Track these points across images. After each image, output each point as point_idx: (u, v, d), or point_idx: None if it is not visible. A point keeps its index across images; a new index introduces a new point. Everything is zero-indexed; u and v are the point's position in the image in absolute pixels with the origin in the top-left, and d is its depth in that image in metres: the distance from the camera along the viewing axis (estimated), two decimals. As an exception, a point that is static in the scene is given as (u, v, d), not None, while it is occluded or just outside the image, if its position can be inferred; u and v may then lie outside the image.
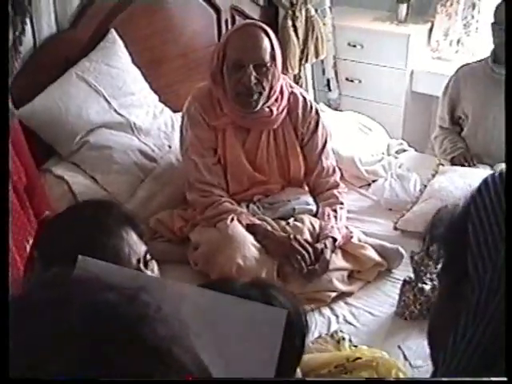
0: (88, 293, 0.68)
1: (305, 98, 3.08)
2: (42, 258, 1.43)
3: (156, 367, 0.64)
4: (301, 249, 2.76)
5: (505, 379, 0.76)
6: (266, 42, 2.86)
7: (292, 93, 3.04)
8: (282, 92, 2.99)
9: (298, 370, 1.55)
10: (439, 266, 0.95)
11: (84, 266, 1.12)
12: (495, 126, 3.54)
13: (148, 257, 1.50)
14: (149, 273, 1.47)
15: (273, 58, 2.87)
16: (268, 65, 2.86)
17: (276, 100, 2.97)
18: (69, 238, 1.42)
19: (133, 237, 1.49)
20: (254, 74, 2.83)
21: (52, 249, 1.42)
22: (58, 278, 0.73)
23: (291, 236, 2.81)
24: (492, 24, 3.45)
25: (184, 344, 0.68)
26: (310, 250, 2.78)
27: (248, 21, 3.15)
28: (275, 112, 2.96)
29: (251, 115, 2.95)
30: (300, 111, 3.04)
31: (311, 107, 3.08)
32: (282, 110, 3.00)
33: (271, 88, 2.91)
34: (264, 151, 3.03)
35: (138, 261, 1.47)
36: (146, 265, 1.49)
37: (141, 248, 1.49)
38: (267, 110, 2.95)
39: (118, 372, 0.62)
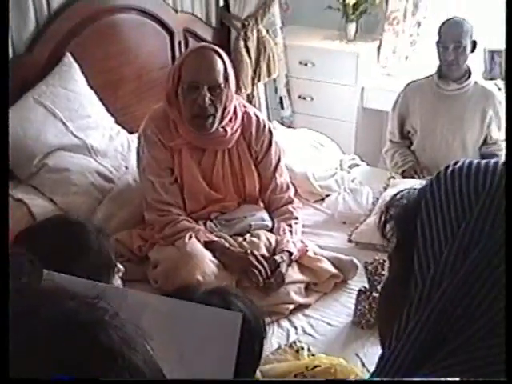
0: (52, 302, 0.74)
1: (258, 118, 3.16)
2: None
3: (111, 368, 0.70)
4: (257, 263, 2.83)
5: (505, 379, 0.79)
6: (219, 65, 2.93)
7: (245, 112, 3.12)
8: (235, 112, 3.06)
9: (258, 373, 1.61)
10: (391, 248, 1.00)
11: (50, 279, 1.18)
12: (442, 139, 3.68)
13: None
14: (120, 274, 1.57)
15: (226, 79, 2.94)
16: (222, 86, 2.92)
17: (230, 120, 3.04)
18: (59, 241, 1.50)
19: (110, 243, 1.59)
20: (208, 95, 2.89)
21: (44, 250, 1.49)
22: (24, 289, 0.79)
23: (248, 251, 2.88)
24: (436, 42, 3.59)
25: (136, 346, 0.74)
26: (266, 264, 2.85)
27: (202, 43, 3.21)
28: (229, 132, 3.03)
29: (206, 135, 3.02)
30: (253, 130, 3.12)
31: (264, 126, 3.15)
32: (236, 130, 3.07)
33: (225, 109, 2.97)
34: (219, 170, 3.09)
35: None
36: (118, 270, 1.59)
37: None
38: (221, 130, 3.02)
39: (80, 374, 0.68)
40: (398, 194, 0.99)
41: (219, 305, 1.47)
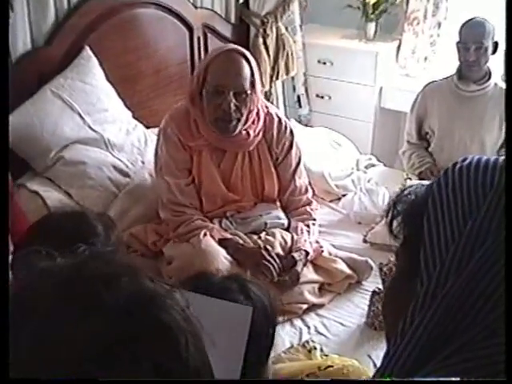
0: (133, 277, 0.77)
1: (280, 119, 3.11)
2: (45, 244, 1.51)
3: (172, 357, 0.73)
4: (270, 258, 2.82)
5: (504, 379, 0.79)
6: (246, 69, 2.88)
7: (268, 113, 3.07)
8: (258, 114, 3.01)
9: (270, 363, 1.61)
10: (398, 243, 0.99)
11: None
12: (460, 140, 3.65)
13: None
14: None
15: (252, 84, 2.89)
16: (247, 92, 2.87)
17: (253, 122, 2.99)
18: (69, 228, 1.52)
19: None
20: (233, 101, 2.84)
21: (55, 237, 1.51)
22: (105, 256, 0.83)
23: (261, 246, 2.88)
24: (457, 43, 3.55)
25: (199, 344, 0.77)
26: (278, 260, 2.84)
27: (230, 45, 3.10)
28: (252, 134, 2.99)
29: (228, 138, 2.97)
30: (275, 132, 3.08)
31: (286, 128, 3.11)
32: (259, 133, 3.03)
33: (249, 112, 2.93)
34: (239, 172, 3.06)
35: None
36: None
37: None
38: (244, 132, 2.98)
39: (139, 352, 0.70)
40: (405, 189, 0.99)
41: (237, 290, 1.48)
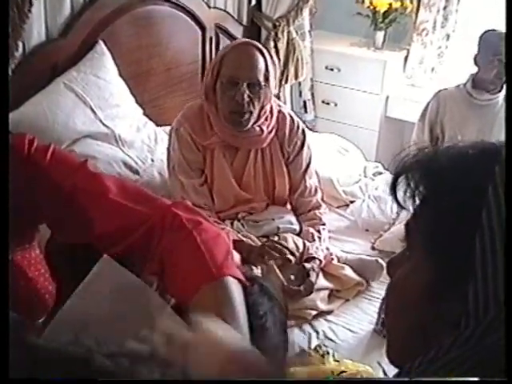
0: None
1: (292, 118, 3.10)
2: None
3: None
4: (275, 246, 2.82)
5: (505, 379, 0.75)
6: (261, 62, 2.87)
7: (280, 112, 3.06)
8: (271, 111, 3.01)
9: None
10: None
11: (106, 268, 1.17)
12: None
13: None
14: None
15: (266, 78, 2.88)
16: (261, 84, 2.86)
17: (266, 119, 2.98)
18: None
19: None
20: (246, 92, 2.83)
21: None
22: None
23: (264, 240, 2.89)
24: (476, 55, 3.52)
25: None
26: (285, 247, 2.84)
27: (244, 39, 3.07)
28: (265, 131, 2.97)
29: (241, 134, 2.96)
30: (287, 130, 3.06)
31: (298, 127, 3.10)
32: (272, 130, 3.01)
33: (262, 107, 2.92)
34: (251, 170, 3.04)
35: None
36: None
37: None
38: (258, 129, 2.96)
39: None
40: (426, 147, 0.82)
41: (258, 291, 1.47)
